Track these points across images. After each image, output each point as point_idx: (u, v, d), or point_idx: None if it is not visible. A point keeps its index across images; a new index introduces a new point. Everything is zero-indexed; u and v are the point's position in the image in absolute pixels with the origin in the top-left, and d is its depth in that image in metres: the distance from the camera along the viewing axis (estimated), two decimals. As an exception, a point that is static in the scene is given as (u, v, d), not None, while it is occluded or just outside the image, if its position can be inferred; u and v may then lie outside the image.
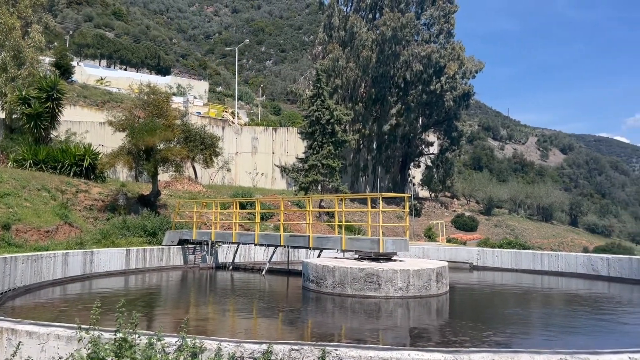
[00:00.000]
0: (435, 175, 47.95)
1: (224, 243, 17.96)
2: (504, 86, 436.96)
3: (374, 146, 46.94)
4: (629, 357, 4.51)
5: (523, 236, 41.03)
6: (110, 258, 15.12)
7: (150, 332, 4.82)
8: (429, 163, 49.53)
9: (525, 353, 4.55)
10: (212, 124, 46.43)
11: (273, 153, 45.96)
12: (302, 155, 34.46)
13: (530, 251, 18.80)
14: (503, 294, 13.53)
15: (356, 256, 13.13)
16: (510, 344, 7.29)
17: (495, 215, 48.40)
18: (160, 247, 17.25)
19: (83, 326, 4.65)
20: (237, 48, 64.18)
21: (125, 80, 63.83)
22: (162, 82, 60.07)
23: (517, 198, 55.03)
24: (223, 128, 45.90)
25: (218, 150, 28.20)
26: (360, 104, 44.08)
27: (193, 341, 4.54)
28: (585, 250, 37.33)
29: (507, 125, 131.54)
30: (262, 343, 4.75)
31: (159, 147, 20.63)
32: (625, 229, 66.51)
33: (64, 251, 13.65)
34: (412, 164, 49.89)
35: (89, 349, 4.13)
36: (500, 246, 25.98)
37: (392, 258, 12.80)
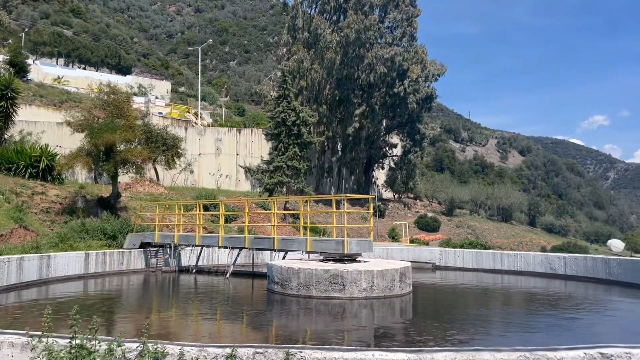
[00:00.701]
0: (399, 177, 48.52)
1: (187, 246, 17.69)
2: (465, 89, 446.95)
3: (339, 148, 47.11)
4: (584, 353, 4.65)
5: (484, 236, 41.92)
6: (68, 262, 14.68)
7: (110, 338, 4.70)
8: (393, 165, 50.10)
9: (486, 351, 4.63)
10: (175, 124, 45.70)
11: (237, 154, 45.59)
12: (267, 157, 34.27)
13: (490, 251, 19.19)
14: (465, 293, 13.78)
15: (321, 257, 13.14)
16: (472, 342, 7.42)
17: (457, 215, 49.32)
18: (120, 250, 16.86)
19: (35, 333, 4.48)
20: (200, 48, 63.46)
21: (84, 79, 62.23)
22: (122, 81, 58.85)
23: (478, 199, 56.19)
24: (186, 129, 45.25)
25: (180, 151, 27.72)
26: (325, 106, 44.17)
27: (155, 346, 4.44)
28: (543, 249, 38.38)
29: (468, 127, 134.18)
30: (225, 347, 4.68)
31: (119, 148, 20.16)
32: (581, 229, 68.77)
33: (19, 255, 13.16)
34: (376, 165, 50.31)
35: (43, 357, 3.99)
36: (461, 246, 26.41)
37: (357, 259, 12.87)
